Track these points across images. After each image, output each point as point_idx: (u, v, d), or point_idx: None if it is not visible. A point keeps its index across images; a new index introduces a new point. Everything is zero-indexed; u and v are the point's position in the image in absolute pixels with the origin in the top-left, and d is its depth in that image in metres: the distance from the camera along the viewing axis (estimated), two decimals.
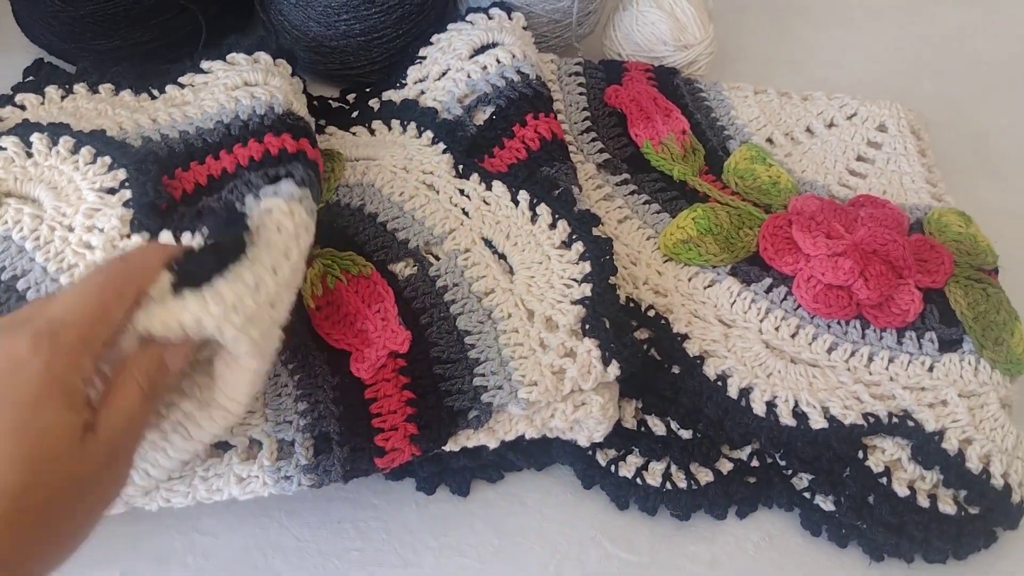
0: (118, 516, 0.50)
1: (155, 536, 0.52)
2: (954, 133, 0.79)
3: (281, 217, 0.47)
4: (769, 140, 0.70)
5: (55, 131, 0.56)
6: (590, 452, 0.54)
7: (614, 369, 0.51)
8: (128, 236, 0.53)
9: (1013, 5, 0.92)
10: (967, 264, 0.60)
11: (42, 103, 0.61)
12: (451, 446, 0.51)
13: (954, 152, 0.77)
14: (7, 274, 0.51)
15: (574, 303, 0.54)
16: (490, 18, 0.69)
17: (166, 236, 0.52)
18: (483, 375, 0.51)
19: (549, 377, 0.51)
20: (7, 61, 0.71)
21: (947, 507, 0.53)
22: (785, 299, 0.59)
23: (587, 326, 0.53)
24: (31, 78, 0.65)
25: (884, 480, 0.53)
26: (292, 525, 0.53)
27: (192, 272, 0.41)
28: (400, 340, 0.52)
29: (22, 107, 0.60)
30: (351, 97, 0.71)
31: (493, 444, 0.52)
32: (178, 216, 0.54)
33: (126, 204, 0.54)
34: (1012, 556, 0.55)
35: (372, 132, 0.66)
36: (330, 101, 0.71)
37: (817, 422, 0.54)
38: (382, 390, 0.51)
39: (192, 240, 0.49)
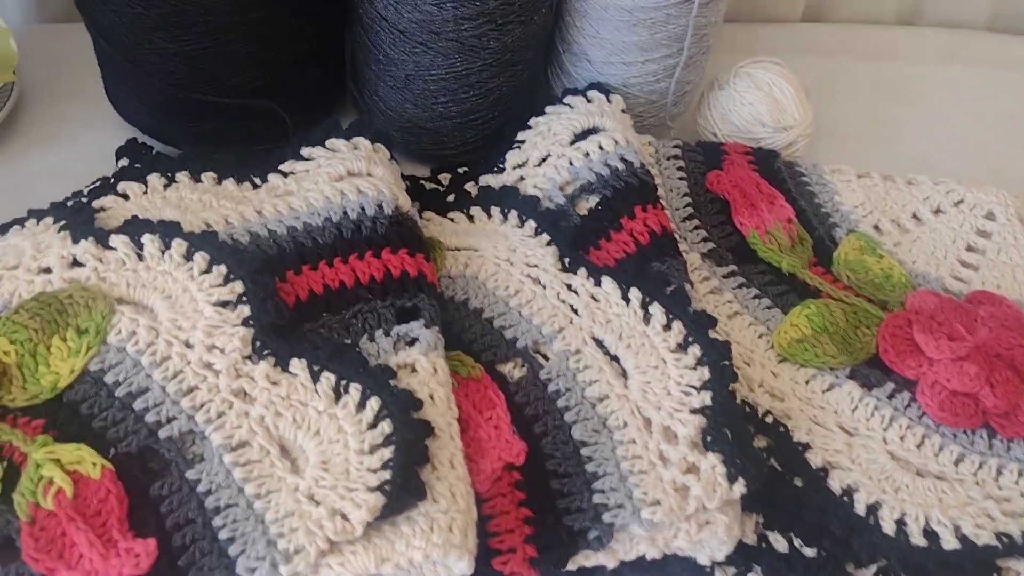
0: None
1: None
2: None
3: (430, 381, 0.50)
4: (876, 228, 0.68)
5: (167, 232, 0.55)
6: (709, 570, 0.52)
7: (740, 487, 0.49)
8: (251, 359, 0.51)
9: None
10: None
11: (145, 192, 0.60)
12: (569, 566, 0.49)
13: None
14: (123, 390, 0.49)
15: (694, 412, 0.52)
16: (589, 101, 0.68)
17: (297, 366, 0.50)
18: (602, 491, 0.49)
19: (672, 495, 0.49)
20: (98, 138, 0.71)
21: None
22: (909, 406, 0.57)
23: (708, 438, 0.51)
24: (126, 160, 0.65)
25: None
26: None
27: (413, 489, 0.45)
28: (516, 451, 0.50)
29: (125, 196, 0.59)
30: (444, 177, 0.70)
31: (612, 564, 0.50)
32: (310, 346, 0.51)
33: (245, 322, 0.52)
34: None
35: (471, 219, 0.65)
36: (422, 182, 0.70)
37: (949, 542, 0.51)
38: (498, 506, 0.49)
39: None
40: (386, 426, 0.47)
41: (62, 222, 0.57)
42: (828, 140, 0.78)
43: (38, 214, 0.59)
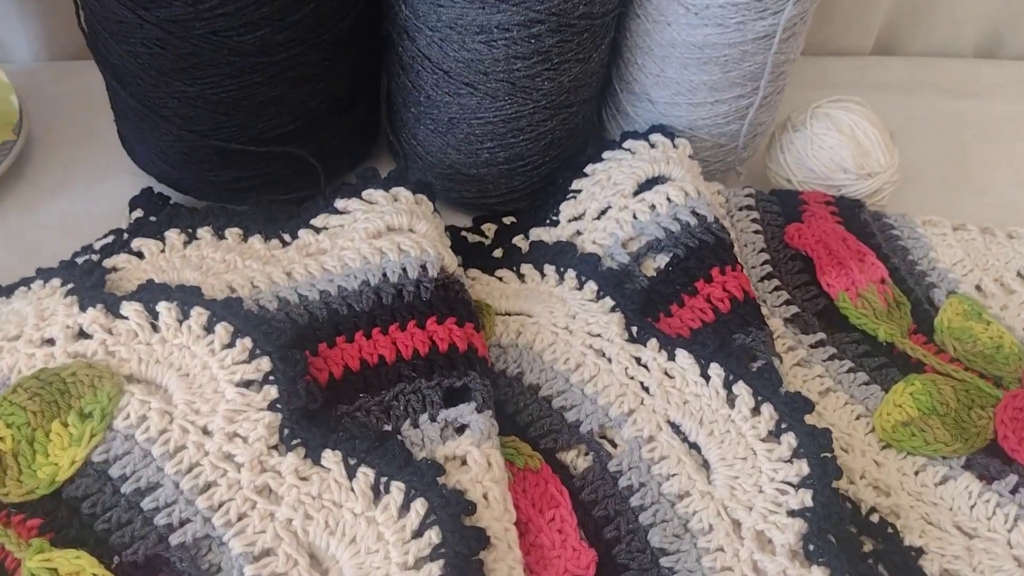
0: None
1: None
2: None
3: (482, 476, 0.44)
4: (978, 288, 0.60)
5: (186, 299, 0.49)
6: None
7: None
8: (278, 450, 0.44)
9: None
10: None
11: (162, 250, 0.53)
12: None
13: None
14: (130, 485, 0.43)
15: (792, 515, 0.44)
16: (652, 146, 0.61)
17: (330, 459, 0.43)
18: None
19: None
20: (111, 186, 0.66)
21: None
22: None
23: (811, 547, 0.43)
24: (141, 211, 0.59)
25: None
26: None
27: None
28: (585, 562, 0.43)
29: (140, 255, 0.53)
30: (487, 228, 0.64)
31: None
32: (345, 435, 0.44)
33: (272, 406, 0.45)
34: None
35: (522, 278, 0.58)
36: (464, 234, 0.63)
37: None
38: None
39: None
40: (434, 535, 0.40)
41: (70, 285, 0.51)
42: (912, 186, 0.71)
43: (45, 275, 0.53)
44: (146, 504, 0.42)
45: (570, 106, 0.61)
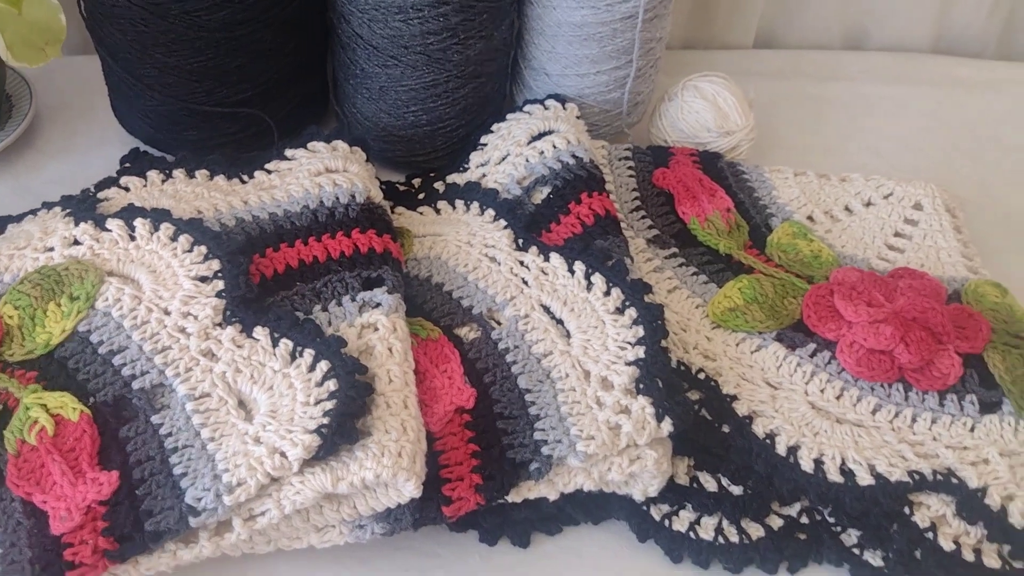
0: (207, 562, 0.54)
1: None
2: (986, 213, 0.82)
3: (388, 336, 0.56)
4: (810, 218, 0.74)
5: (157, 217, 0.62)
6: (645, 507, 0.57)
7: (667, 425, 0.54)
8: (221, 326, 0.57)
9: None
10: (1004, 331, 0.63)
11: (144, 186, 0.67)
12: (513, 497, 0.54)
13: (986, 231, 0.80)
14: (104, 348, 0.56)
15: (628, 364, 0.57)
16: (546, 108, 0.75)
17: (260, 332, 0.56)
18: (543, 430, 0.55)
19: (605, 432, 0.54)
20: (107, 152, 0.79)
21: (992, 561, 0.54)
22: (829, 363, 0.62)
23: (641, 385, 0.56)
24: (128, 164, 0.73)
25: (930, 535, 0.55)
26: (362, 572, 0.56)
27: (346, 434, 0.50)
28: (466, 396, 0.56)
29: (126, 189, 0.67)
30: (416, 181, 0.77)
31: (553, 496, 0.55)
32: (273, 317, 0.57)
33: (219, 294, 0.58)
34: None
35: (438, 211, 0.72)
36: (397, 185, 0.77)
37: (864, 479, 0.56)
38: (449, 443, 0.54)
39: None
40: (332, 384, 0.52)
41: (68, 209, 0.64)
42: (777, 151, 0.85)
43: (49, 205, 0.67)
44: (116, 360, 0.55)
45: (479, 77, 0.75)
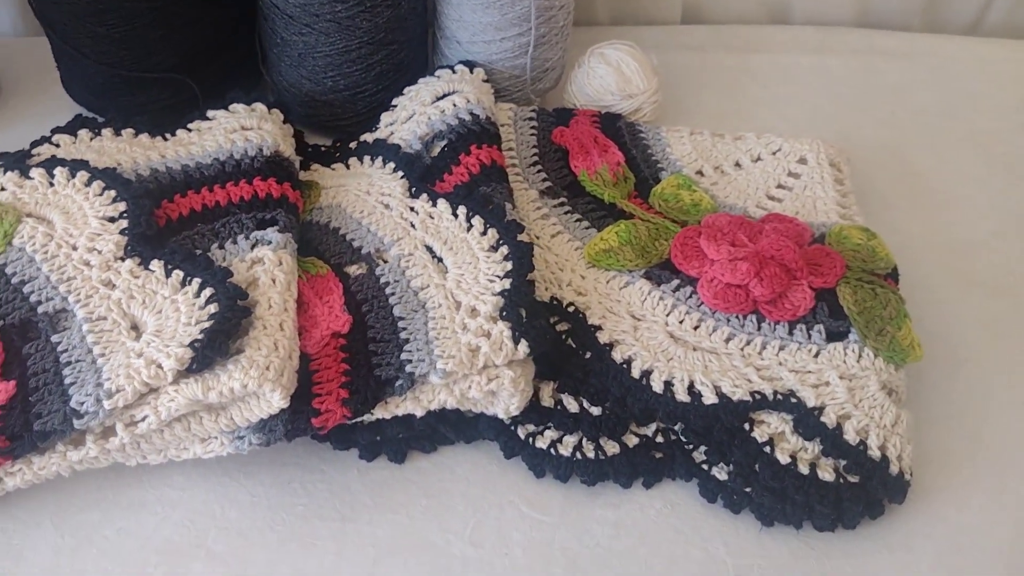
0: (104, 469, 0.60)
1: (132, 488, 0.61)
2: (889, 172, 0.87)
3: (273, 269, 0.62)
4: (699, 172, 0.79)
5: (75, 166, 0.68)
6: (512, 427, 0.62)
7: (523, 348, 0.59)
8: (122, 259, 0.63)
9: (953, 62, 1.00)
10: (860, 268, 0.67)
11: (74, 142, 0.73)
12: (382, 413, 0.59)
13: (888, 189, 0.84)
14: (16, 278, 0.62)
15: (495, 295, 0.62)
16: (454, 72, 0.81)
17: (156, 265, 0.61)
18: (409, 351, 0.60)
19: (465, 352, 0.59)
20: (59, 121, 0.85)
21: (826, 475, 0.58)
22: (690, 297, 0.67)
23: (504, 312, 0.61)
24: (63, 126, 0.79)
25: (768, 449, 0.59)
26: (248, 484, 0.62)
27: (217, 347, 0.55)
28: (341, 322, 0.61)
29: (56, 145, 0.73)
30: (338, 143, 0.83)
31: (419, 412, 0.60)
32: (168, 251, 0.63)
33: (122, 232, 0.64)
34: (901, 529, 0.60)
35: (348, 167, 0.77)
36: (321, 147, 0.83)
37: (709, 398, 0.60)
38: (323, 363, 0.60)
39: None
40: (212, 308, 0.58)
41: (1, 163, 0.71)
42: (688, 117, 0.90)
43: None
44: (26, 289, 0.62)
45: (391, 44, 0.81)
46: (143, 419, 0.55)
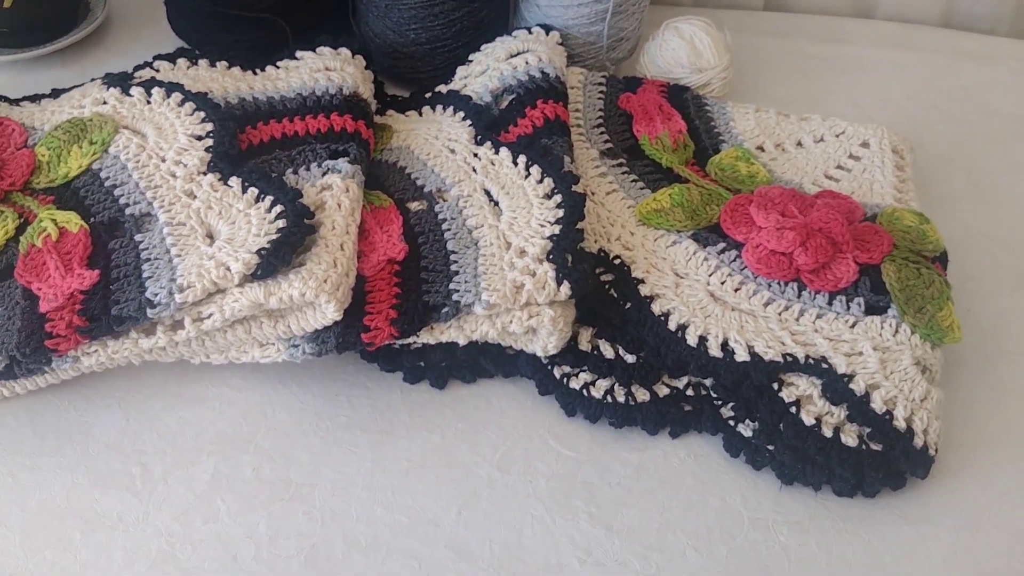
0: (170, 364, 0.65)
1: (194, 384, 0.66)
2: (954, 167, 0.86)
3: (340, 195, 0.66)
4: (760, 148, 0.80)
5: (171, 88, 0.74)
6: (548, 366, 0.65)
7: (565, 289, 0.62)
8: (204, 173, 0.68)
9: None
10: (907, 248, 0.68)
11: (172, 69, 0.79)
12: (428, 338, 0.63)
13: (951, 182, 0.85)
14: (109, 182, 0.68)
15: (544, 239, 0.65)
16: (530, 33, 0.84)
17: (234, 181, 0.66)
18: (458, 283, 0.63)
19: (510, 287, 0.62)
20: (160, 51, 0.91)
21: (849, 440, 0.60)
22: (734, 260, 0.68)
23: (550, 256, 0.64)
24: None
25: (794, 409, 0.61)
26: (299, 392, 0.66)
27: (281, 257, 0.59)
28: (398, 250, 0.65)
29: (156, 70, 0.79)
30: (414, 94, 0.87)
31: (462, 341, 0.63)
32: (246, 170, 0.67)
33: (207, 149, 0.69)
34: (921, 502, 0.61)
35: (420, 114, 0.81)
36: (399, 99, 0.87)
37: (741, 356, 0.62)
38: (377, 285, 0.64)
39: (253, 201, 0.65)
40: (281, 222, 0.62)
41: (106, 81, 0.77)
42: (759, 98, 0.91)
43: (94, 78, 0.79)
44: (116, 192, 0.67)
45: (473, 1, 0.84)
46: (209, 316, 0.60)
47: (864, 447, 0.60)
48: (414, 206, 0.70)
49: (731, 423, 0.63)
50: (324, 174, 0.69)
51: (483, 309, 0.62)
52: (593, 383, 0.64)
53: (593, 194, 0.74)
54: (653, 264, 0.69)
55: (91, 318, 0.59)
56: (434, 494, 0.61)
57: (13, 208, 0.67)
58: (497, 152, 0.73)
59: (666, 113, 0.80)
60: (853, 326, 0.64)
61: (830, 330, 0.64)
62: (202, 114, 0.71)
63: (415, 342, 0.64)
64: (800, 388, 0.62)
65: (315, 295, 0.59)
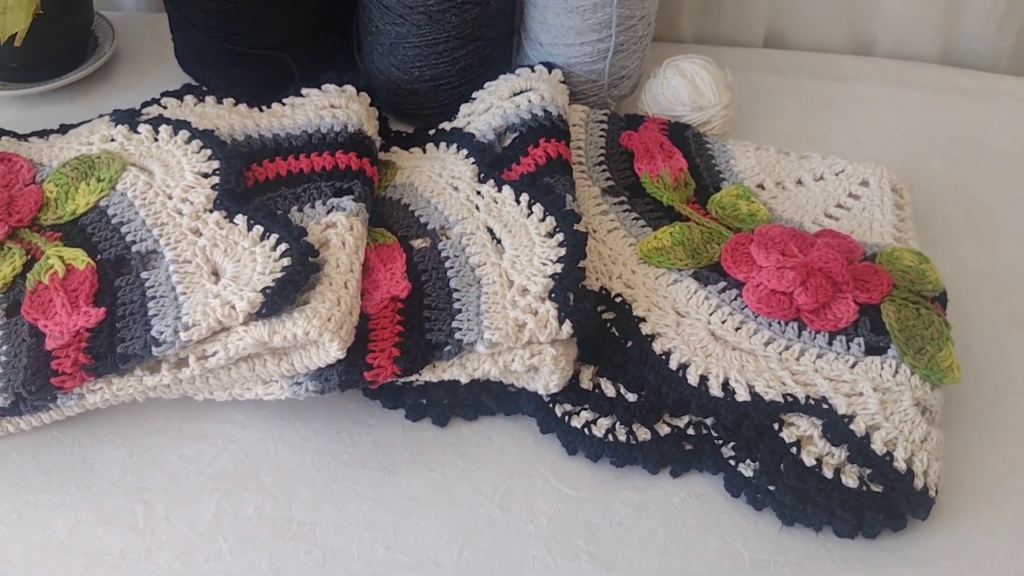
0: (174, 401, 0.65)
1: (197, 420, 0.66)
2: (953, 205, 0.87)
3: (344, 233, 0.67)
4: (760, 186, 0.81)
5: (178, 125, 0.75)
6: (550, 404, 0.65)
7: (567, 328, 0.62)
8: (210, 211, 0.68)
9: None
10: (907, 289, 0.69)
11: (179, 105, 0.80)
12: (431, 376, 0.63)
13: (950, 220, 0.85)
14: (116, 219, 0.69)
15: (546, 277, 0.66)
16: (533, 71, 0.85)
17: (240, 219, 0.67)
18: (460, 321, 0.64)
19: (512, 326, 0.62)
20: (168, 87, 0.92)
21: (850, 481, 0.60)
22: (735, 299, 0.69)
23: (552, 294, 0.65)
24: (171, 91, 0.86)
25: (794, 450, 0.61)
26: (301, 429, 0.66)
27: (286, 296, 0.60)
28: (401, 288, 0.66)
29: (164, 107, 0.80)
30: (418, 131, 0.88)
31: (464, 379, 0.64)
32: (252, 208, 0.68)
33: (213, 187, 0.70)
34: (922, 544, 0.61)
35: (424, 151, 0.82)
36: (402, 133, 0.88)
37: (741, 395, 0.63)
38: (380, 323, 0.64)
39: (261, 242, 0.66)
40: (286, 261, 0.63)
41: (114, 117, 0.78)
42: (759, 135, 0.92)
43: (102, 114, 0.80)
44: (123, 229, 0.68)
45: (476, 39, 0.85)
46: (214, 354, 0.60)
47: (865, 488, 0.60)
48: (417, 243, 0.71)
49: (732, 463, 0.63)
50: (329, 212, 0.69)
51: (485, 348, 0.62)
52: (594, 422, 0.64)
53: (595, 232, 0.74)
54: (654, 303, 0.69)
55: (97, 356, 0.60)
56: (435, 533, 0.61)
57: (21, 245, 0.68)
58: (500, 190, 0.74)
59: (667, 151, 0.81)
60: (853, 366, 0.65)
61: (830, 370, 0.64)
62: (208, 152, 0.72)
63: (417, 379, 0.64)
64: (801, 428, 0.62)
65: (319, 334, 0.59)
